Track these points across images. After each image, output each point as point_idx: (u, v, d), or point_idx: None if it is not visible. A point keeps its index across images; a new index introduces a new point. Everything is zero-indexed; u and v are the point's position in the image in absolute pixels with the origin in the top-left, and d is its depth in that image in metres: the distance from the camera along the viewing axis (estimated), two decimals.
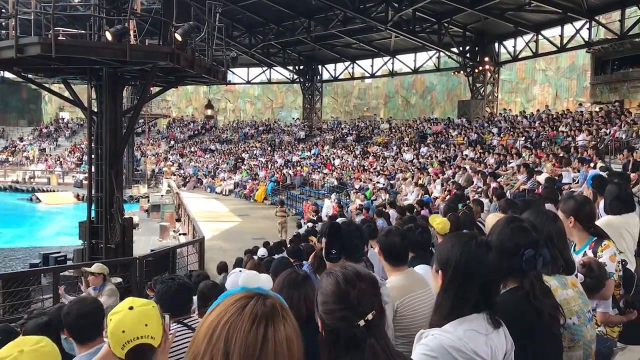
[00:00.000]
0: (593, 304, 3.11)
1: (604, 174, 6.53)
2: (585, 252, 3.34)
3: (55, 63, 11.75)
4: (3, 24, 12.18)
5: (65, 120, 52.56)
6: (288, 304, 2.79)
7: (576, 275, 2.79)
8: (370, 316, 1.75)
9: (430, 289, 3.26)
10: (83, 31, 14.19)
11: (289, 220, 20.87)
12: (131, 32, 12.19)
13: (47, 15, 11.77)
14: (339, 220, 3.23)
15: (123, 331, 2.05)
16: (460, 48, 31.64)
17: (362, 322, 1.73)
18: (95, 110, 13.21)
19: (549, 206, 5.82)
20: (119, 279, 9.71)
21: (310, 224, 16.26)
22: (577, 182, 12.54)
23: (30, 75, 14.64)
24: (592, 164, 13.07)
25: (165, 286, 3.66)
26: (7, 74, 41.91)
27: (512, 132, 23.55)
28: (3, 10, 11.44)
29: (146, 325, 2.08)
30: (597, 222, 3.70)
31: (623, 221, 4.00)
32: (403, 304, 3.06)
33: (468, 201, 11.53)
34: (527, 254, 2.19)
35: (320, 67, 44.05)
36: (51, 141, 48.16)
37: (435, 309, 2.05)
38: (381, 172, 23.69)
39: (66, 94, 14.19)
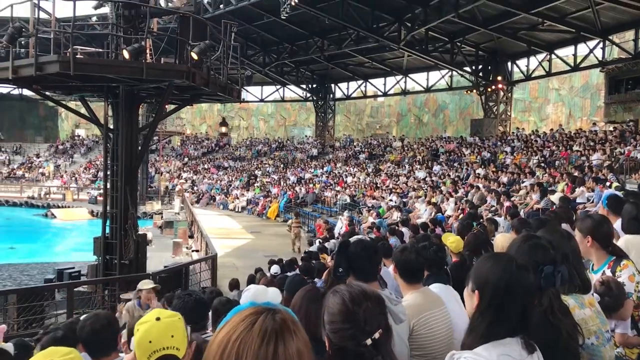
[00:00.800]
0: (611, 324, 3.06)
1: (619, 193, 6.47)
2: (603, 271, 3.30)
3: (73, 81, 11.94)
4: (23, 42, 12.40)
5: (80, 137, 53.19)
6: (306, 319, 2.79)
7: (592, 295, 2.76)
8: (377, 335, 1.75)
9: (446, 308, 3.24)
10: (101, 49, 14.44)
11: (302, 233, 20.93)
12: (147, 51, 12.37)
13: (66, 34, 12.00)
14: (353, 238, 3.21)
15: (150, 341, 2.08)
16: (473, 67, 31.70)
17: (369, 341, 1.73)
18: (112, 127, 13.37)
19: (564, 226, 5.76)
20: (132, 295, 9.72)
21: (319, 241, 16.23)
22: (592, 202, 12.43)
23: (48, 93, 14.87)
24: (607, 184, 12.97)
25: (182, 301, 3.68)
26: (25, 92, 42.71)
27: (525, 151, 23.43)
28: (24, 30, 11.64)
29: (172, 336, 2.11)
30: (618, 243, 3.66)
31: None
32: (419, 322, 3.04)
33: (482, 220, 11.45)
34: (546, 271, 2.16)
35: (333, 85, 44.36)
36: (67, 158, 48.68)
37: (470, 330, 1.97)
38: (394, 190, 23.63)
39: (83, 111, 14.37)
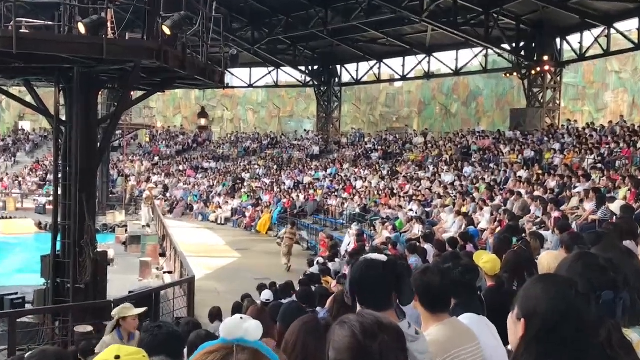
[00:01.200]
0: None
1: None
2: None
3: (16, 61, 11.94)
4: None
5: (25, 132, 53.30)
6: (303, 356, 2.78)
7: None
8: None
9: (479, 343, 3.23)
10: (50, 22, 14.45)
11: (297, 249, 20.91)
12: (109, 24, 12.39)
13: (7, 3, 12.01)
14: (369, 256, 3.16)
15: None
16: (513, 44, 31.70)
17: None
18: (64, 118, 13.38)
19: (628, 243, 5.75)
20: (90, 327, 9.73)
21: (318, 261, 16.24)
22: None
23: None
24: None
25: (151, 335, 3.68)
26: None
27: (578, 149, 23.43)
28: None
29: None
30: None
31: None
32: None
33: (524, 234, 11.45)
34: (605, 297, 2.15)
35: (339, 67, 44.38)
36: (8, 157, 48.75)
37: None
38: (414, 197, 23.65)
39: (28, 99, 14.39)
